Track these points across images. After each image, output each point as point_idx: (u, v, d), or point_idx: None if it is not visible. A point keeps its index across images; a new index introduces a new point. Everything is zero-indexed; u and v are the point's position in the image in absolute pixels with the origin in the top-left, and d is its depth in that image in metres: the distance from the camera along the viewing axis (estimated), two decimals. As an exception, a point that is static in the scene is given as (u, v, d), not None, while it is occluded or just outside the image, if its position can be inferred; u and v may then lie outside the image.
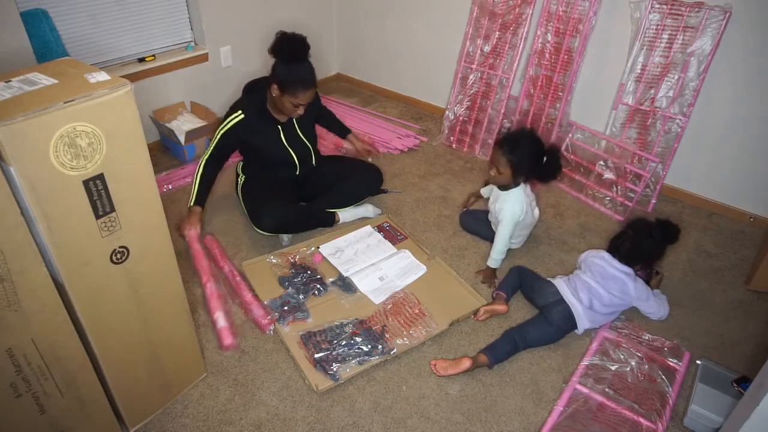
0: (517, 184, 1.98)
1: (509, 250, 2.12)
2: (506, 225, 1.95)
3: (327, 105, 3.28)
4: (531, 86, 2.71)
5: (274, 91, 1.91)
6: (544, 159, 1.88)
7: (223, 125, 2.02)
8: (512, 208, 1.94)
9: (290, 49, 1.85)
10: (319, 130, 2.36)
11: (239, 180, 2.22)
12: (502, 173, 1.91)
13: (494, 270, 2.03)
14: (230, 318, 1.77)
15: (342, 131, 2.42)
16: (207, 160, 2.05)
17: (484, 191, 2.25)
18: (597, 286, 1.77)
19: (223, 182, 2.58)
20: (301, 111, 1.96)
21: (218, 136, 2.03)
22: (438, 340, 1.78)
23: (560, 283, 1.82)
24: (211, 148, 2.05)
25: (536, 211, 2.11)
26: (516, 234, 2.07)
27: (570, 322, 1.76)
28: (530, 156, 1.88)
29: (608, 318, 1.82)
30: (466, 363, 1.63)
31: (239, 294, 1.89)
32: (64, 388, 1.22)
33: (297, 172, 2.21)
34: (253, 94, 2.06)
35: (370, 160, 2.44)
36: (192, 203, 2.00)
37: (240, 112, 2.00)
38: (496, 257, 2.00)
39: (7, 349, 1.07)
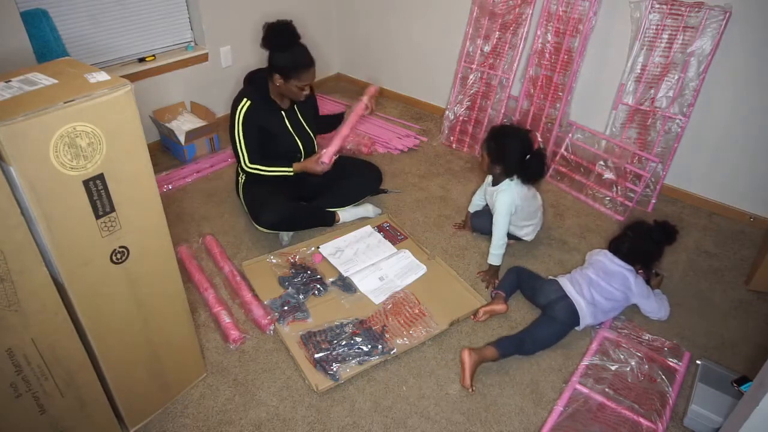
0: (501, 178, 2.00)
1: (515, 249, 2.12)
2: (501, 215, 1.98)
3: (327, 105, 3.32)
4: (531, 86, 2.71)
5: (278, 80, 1.96)
6: (527, 157, 1.91)
7: (236, 121, 2.00)
8: (505, 198, 1.97)
9: (281, 37, 1.91)
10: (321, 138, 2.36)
11: (240, 179, 2.21)
12: (483, 158, 1.98)
13: (496, 270, 2.03)
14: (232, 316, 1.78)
15: (338, 118, 2.33)
16: (249, 160, 2.04)
17: (472, 206, 2.28)
18: (598, 279, 1.79)
19: (224, 181, 2.59)
20: (307, 91, 2.04)
21: (240, 135, 2.01)
22: (438, 340, 1.78)
23: (563, 281, 1.83)
24: (244, 150, 2.03)
25: (538, 199, 2.12)
26: (521, 225, 2.10)
27: (574, 317, 1.76)
28: (510, 149, 1.91)
29: (608, 315, 1.82)
30: (465, 357, 1.60)
31: (239, 294, 1.89)
32: (64, 388, 1.22)
33: (301, 161, 2.21)
34: (254, 84, 2.08)
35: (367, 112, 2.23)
36: (290, 168, 2.07)
37: (246, 99, 2.01)
38: (495, 252, 2.01)
39: (7, 349, 1.08)
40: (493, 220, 2.01)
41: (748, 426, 0.96)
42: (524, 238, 2.17)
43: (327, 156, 2.06)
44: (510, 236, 2.11)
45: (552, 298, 1.81)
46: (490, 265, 2.04)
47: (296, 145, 2.17)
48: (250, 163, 2.05)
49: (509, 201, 1.97)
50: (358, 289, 1.94)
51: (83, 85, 1.03)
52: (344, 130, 2.13)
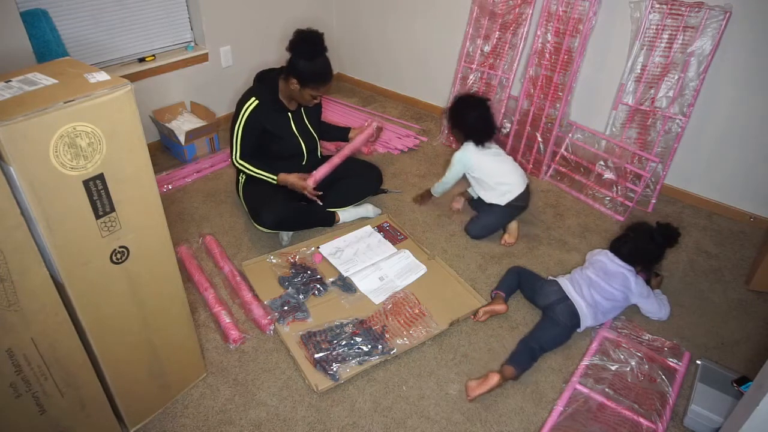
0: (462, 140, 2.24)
1: (515, 249, 2.14)
2: (452, 166, 2.23)
3: (327, 104, 3.32)
4: (531, 86, 2.71)
5: (293, 84, 1.98)
6: (473, 118, 2.14)
7: (240, 117, 2.02)
8: (458, 154, 2.21)
9: (309, 46, 1.94)
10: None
11: (240, 179, 2.22)
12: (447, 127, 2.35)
13: (430, 195, 2.41)
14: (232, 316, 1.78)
15: (342, 133, 2.41)
16: (240, 156, 2.06)
17: (471, 190, 2.37)
18: (598, 279, 1.78)
19: (224, 181, 2.59)
20: (318, 100, 2.10)
21: (239, 130, 2.03)
22: (438, 340, 1.78)
23: (563, 282, 1.83)
24: (238, 146, 2.04)
25: (510, 159, 2.24)
26: (493, 184, 2.18)
27: (575, 319, 1.76)
28: (460, 113, 2.19)
29: (608, 316, 1.82)
30: (494, 379, 1.57)
31: (239, 294, 1.89)
32: (64, 388, 1.22)
33: (304, 163, 2.21)
34: (264, 83, 2.09)
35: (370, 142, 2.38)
36: (275, 176, 2.07)
37: (254, 98, 2.02)
38: (438, 189, 2.36)
39: (7, 349, 1.08)
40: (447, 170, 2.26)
41: (748, 426, 0.96)
42: (497, 202, 2.18)
43: (319, 174, 2.10)
44: (497, 209, 2.20)
45: (552, 299, 1.80)
46: (428, 190, 2.39)
47: (299, 147, 2.17)
48: (240, 158, 2.07)
49: (460, 156, 2.20)
50: (358, 289, 1.94)
51: (83, 85, 1.03)
52: (336, 159, 2.17)
